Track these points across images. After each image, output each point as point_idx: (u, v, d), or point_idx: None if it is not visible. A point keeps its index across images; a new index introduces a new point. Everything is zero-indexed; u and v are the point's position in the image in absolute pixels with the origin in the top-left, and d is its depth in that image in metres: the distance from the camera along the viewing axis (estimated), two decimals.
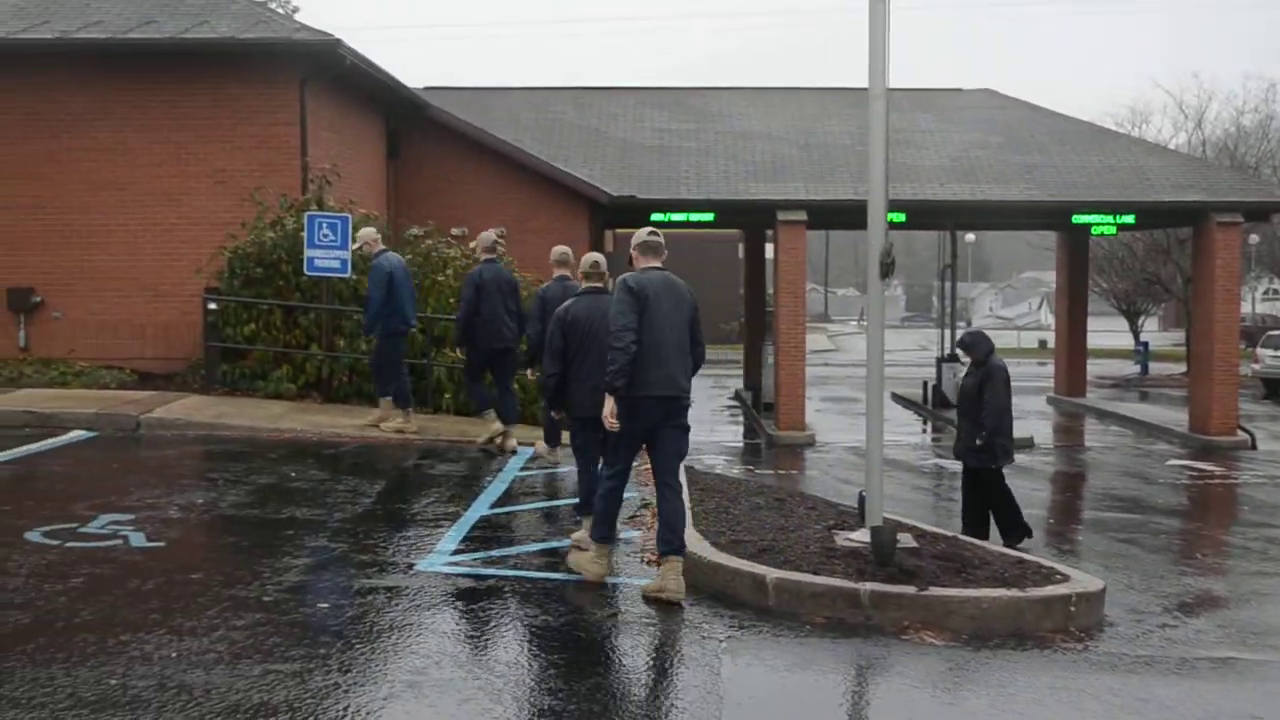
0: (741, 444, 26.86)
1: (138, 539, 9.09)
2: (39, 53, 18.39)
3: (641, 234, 8.45)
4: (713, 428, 28.68)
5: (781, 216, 26.48)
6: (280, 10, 38.24)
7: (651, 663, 6.77)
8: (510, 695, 6.20)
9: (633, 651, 6.95)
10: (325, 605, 7.60)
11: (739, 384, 36.88)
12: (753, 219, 30.68)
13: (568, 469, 12.58)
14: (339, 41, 18.36)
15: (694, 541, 8.71)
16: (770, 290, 33.75)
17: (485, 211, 24.79)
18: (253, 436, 13.97)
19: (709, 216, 27.74)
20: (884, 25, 8.75)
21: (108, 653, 6.57)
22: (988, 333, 14.23)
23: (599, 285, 9.02)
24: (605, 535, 8.43)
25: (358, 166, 21.56)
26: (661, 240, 8.48)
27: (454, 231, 19.18)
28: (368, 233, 14.63)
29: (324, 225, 15.65)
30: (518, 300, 13.61)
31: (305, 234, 15.79)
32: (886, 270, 8.69)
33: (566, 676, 6.50)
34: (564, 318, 8.82)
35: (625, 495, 8.95)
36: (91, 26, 18.57)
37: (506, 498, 11.12)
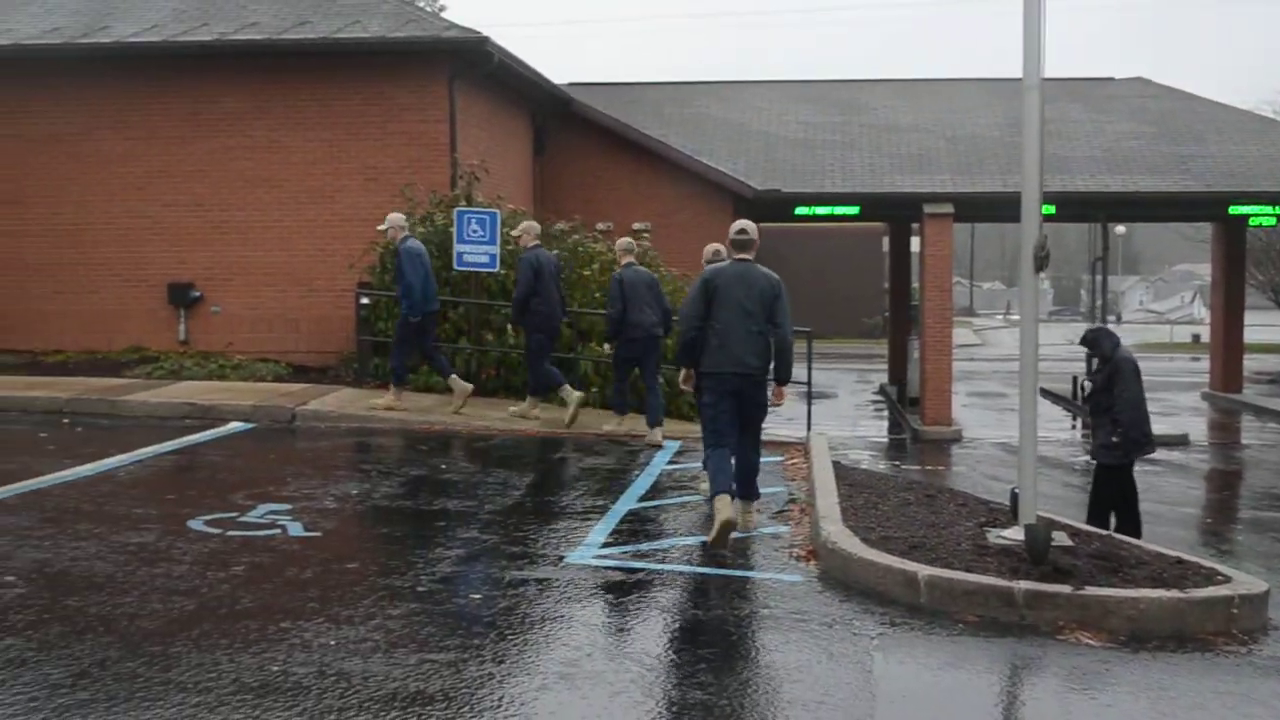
0: (886, 439, 26.64)
1: (295, 529, 9.31)
2: (198, 55, 18.92)
3: (732, 231, 9.70)
4: (856, 422, 28.49)
5: (928, 209, 26.20)
6: (426, 9, 38.77)
7: (802, 658, 6.74)
8: (660, 689, 6.23)
9: (783, 646, 6.92)
10: (477, 596, 7.70)
11: (883, 379, 36.56)
12: (898, 212, 30.43)
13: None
14: (487, 39, 18.57)
15: (843, 537, 8.66)
16: (915, 284, 33.41)
17: (630, 206, 24.92)
18: (404, 429, 14.22)
19: (854, 210, 27.56)
20: (1039, 14, 8.61)
21: (269, 639, 6.73)
22: (1112, 329, 13.93)
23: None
24: (724, 487, 9.16)
25: (505, 162, 21.79)
26: (751, 236, 9.63)
27: (599, 226, 19.29)
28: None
29: (473, 221, 15.86)
30: (659, 295, 13.89)
31: (454, 229, 16.02)
32: (1040, 264, 8.55)
33: (716, 670, 6.50)
34: (710, 280, 9.63)
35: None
36: (248, 28, 19.03)
37: (654, 491, 11.16)
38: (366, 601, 7.47)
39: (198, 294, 19.06)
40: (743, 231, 9.63)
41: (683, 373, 9.99)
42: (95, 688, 5.97)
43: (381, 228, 15.54)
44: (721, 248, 11.99)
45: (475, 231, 15.83)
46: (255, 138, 19.07)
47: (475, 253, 15.89)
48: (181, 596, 7.52)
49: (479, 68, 19.34)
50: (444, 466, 12.10)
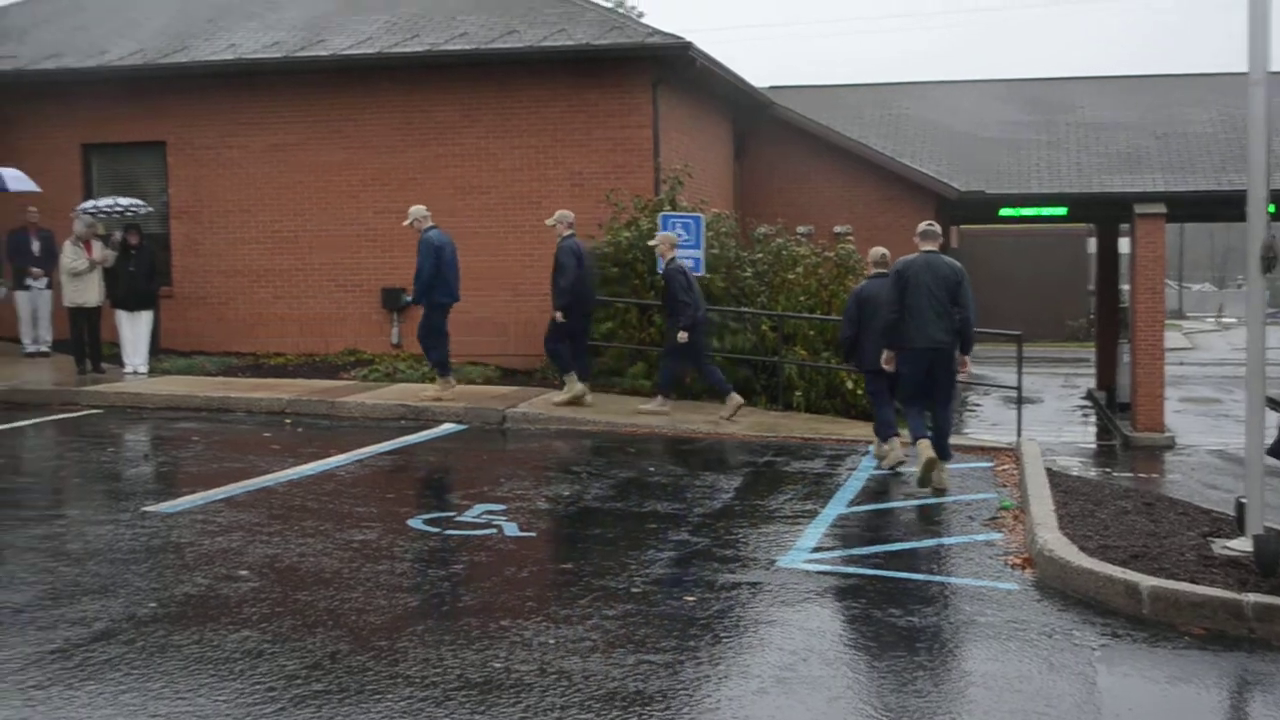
0: (1095, 445, 25.99)
1: (511, 529, 9.51)
2: (410, 65, 19.44)
3: (920, 225, 11.64)
4: (1062, 428, 27.85)
5: (1139, 209, 25.47)
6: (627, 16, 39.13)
7: (1022, 668, 6.64)
8: (877, 695, 6.20)
9: (1001, 656, 6.83)
10: (691, 598, 7.76)
11: (1089, 383, 35.63)
12: (1107, 212, 29.62)
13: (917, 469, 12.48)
14: (690, 44, 18.68)
15: (1060, 545, 8.50)
16: (1124, 286, 32.52)
17: (830, 209, 24.83)
18: (611, 431, 14.40)
19: (1061, 211, 27.00)
20: (1265, 6, 8.33)
21: (490, 637, 6.89)
22: None
23: (884, 271, 11.97)
24: (923, 433, 11.14)
25: (706, 166, 21.88)
26: (937, 229, 11.58)
27: (800, 230, 19.27)
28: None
29: (677, 225, 16.00)
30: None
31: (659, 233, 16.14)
32: (1268, 265, 8.28)
33: (933, 678, 6.45)
34: (859, 294, 12.35)
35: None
36: (458, 39, 19.49)
37: (864, 495, 11.10)
38: (583, 601, 7.60)
39: (410, 298, 19.54)
40: (931, 224, 11.50)
41: (885, 354, 11.49)
42: (328, 679, 6.19)
43: (406, 223, 16.28)
44: (886, 251, 12.62)
45: (680, 235, 15.94)
46: (464, 145, 19.50)
47: (680, 257, 15.98)
48: (405, 593, 7.75)
49: (681, 73, 19.47)
50: (652, 469, 12.22)
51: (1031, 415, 27.83)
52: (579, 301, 15.42)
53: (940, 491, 11.04)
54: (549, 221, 15.69)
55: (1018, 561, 8.77)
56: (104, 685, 6.04)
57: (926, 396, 11.31)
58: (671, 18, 77.49)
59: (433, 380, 16.63)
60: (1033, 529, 9.06)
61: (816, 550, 9.05)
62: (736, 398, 14.84)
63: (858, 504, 10.77)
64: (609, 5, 40.60)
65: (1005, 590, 8.09)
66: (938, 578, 8.38)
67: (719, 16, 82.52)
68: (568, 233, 15.46)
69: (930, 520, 10.27)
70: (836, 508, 10.54)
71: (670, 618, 7.37)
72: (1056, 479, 11.57)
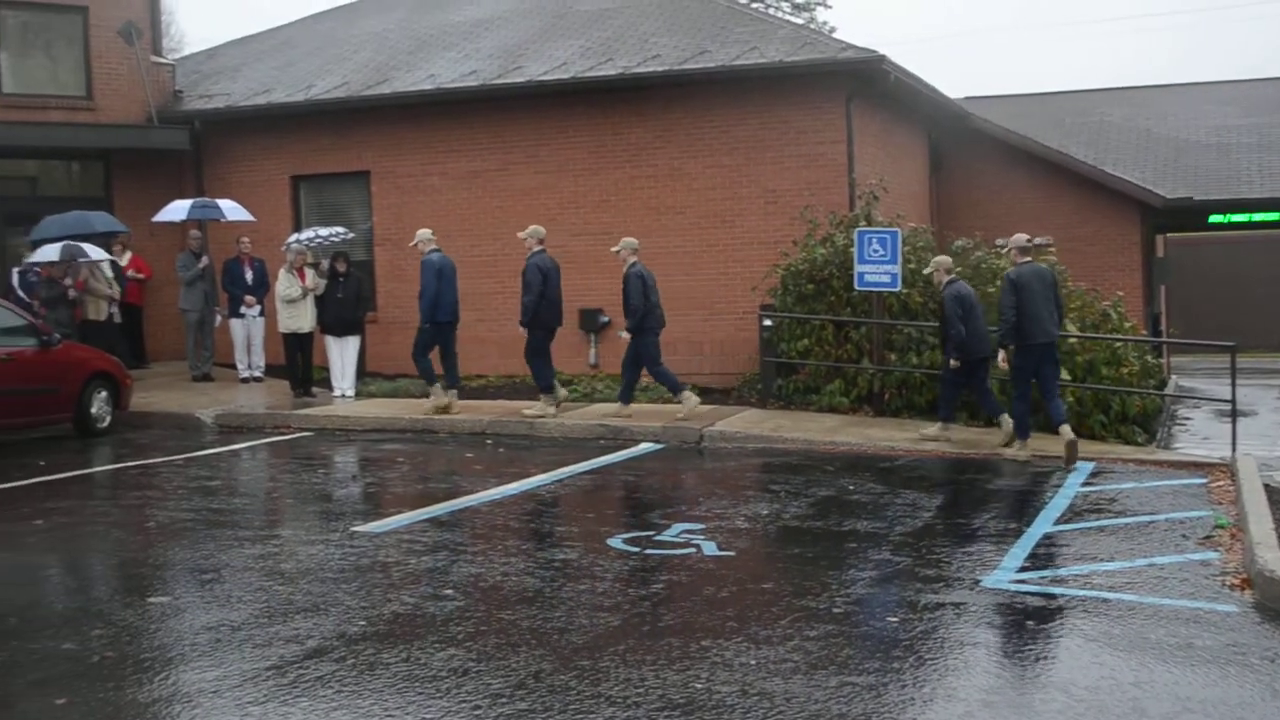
0: None
1: (709, 548, 9.51)
2: (604, 89, 19.66)
3: (1022, 240, 13.83)
4: (1278, 442, 26.69)
5: None
6: (818, 31, 38.97)
7: (1243, 694, 6.37)
8: None
9: (1220, 681, 6.57)
10: (894, 619, 7.65)
11: None
12: None
13: (1129, 485, 12.15)
14: (884, 58, 18.50)
15: None
16: None
17: (1030, 220, 24.24)
18: (809, 449, 14.30)
19: (1275, 216, 25.98)
20: None
21: (691, 657, 6.89)
22: None
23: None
24: (1064, 418, 13.47)
25: (901, 180, 21.63)
26: (1033, 243, 14.05)
27: (999, 242, 18.87)
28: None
29: (873, 240, 15.83)
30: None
31: (855, 250, 16.03)
32: None
33: (1150, 704, 6.24)
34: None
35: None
36: (650, 61, 19.64)
37: (1070, 514, 10.81)
38: (784, 622, 7.55)
39: (606, 319, 19.75)
40: (1031, 240, 14.07)
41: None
42: (532, 698, 6.27)
43: (412, 244, 17.13)
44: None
45: (876, 251, 15.79)
46: (658, 166, 19.63)
47: (876, 272, 15.86)
48: (606, 613, 7.81)
49: (875, 86, 19.28)
50: (851, 487, 12.10)
51: (1246, 429, 26.77)
52: (548, 316, 16.03)
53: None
54: (521, 235, 16.51)
55: (1236, 582, 8.44)
56: (317, 702, 6.22)
57: (1029, 387, 13.68)
58: (863, 31, 76.75)
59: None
60: (1252, 548, 8.71)
61: (1022, 570, 8.85)
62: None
63: (1064, 522, 10.50)
64: (799, 22, 40.55)
65: (1223, 612, 7.80)
66: (1150, 599, 8.11)
67: (911, 27, 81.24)
68: (537, 248, 16.11)
69: (1141, 539, 9.95)
70: (1042, 526, 10.29)
71: (873, 639, 7.28)
72: (1276, 496, 11.13)
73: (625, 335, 15.93)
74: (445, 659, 6.87)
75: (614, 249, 16.42)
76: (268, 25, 27.20)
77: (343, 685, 6.45)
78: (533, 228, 16.46)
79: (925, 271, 15.43)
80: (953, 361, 14.37)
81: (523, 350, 16.30)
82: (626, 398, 16.16)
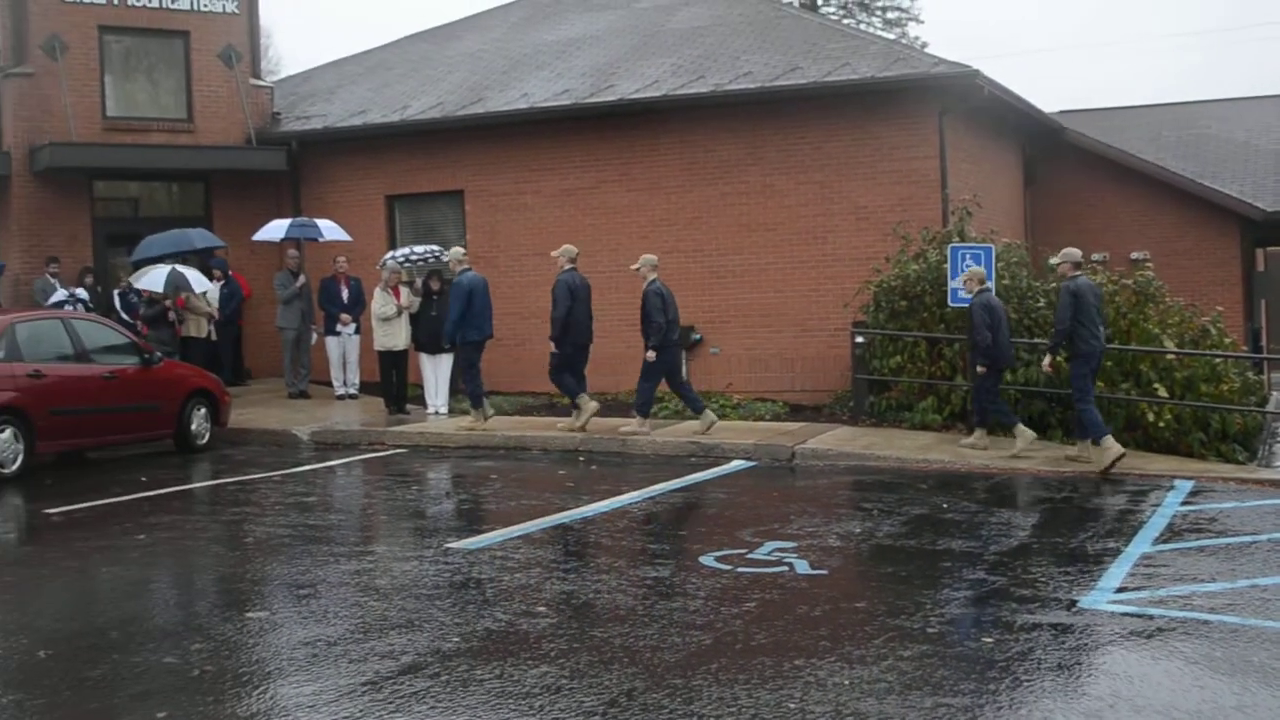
0: None
1: (802, 566, 9.47)
2: (696, 106, 19.71)
3: (1075, 256, 14.42)
4: None
5: None
6: (909, 46, 38.74)
7: None
8: None
9: None
10: (989, 640, 7.57)
11: None
12: None
13: (1230, 505, 11.94)
14: (977, 72, 18.37)
15: None
16: None
17: (1127, 235, 23.99)
18: (901, 467, 14.21)
19: None
20: None
21: (784, 676, 6.87)
22: None
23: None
24: (1108, 430, 13.97)
25: (995, 195, 21.45)
26: (1082, 258, 14.58)
27: (1095, 257, 18.67)
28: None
29: (967, 256, 15.70)
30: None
31: (948, 266, 15.91)
32: None
33: None
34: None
35: None
36: (742, 78, 19.65)
37: (1169, 534, 10.63)
38: (877, 641, 7.50)
39: (698, 336, 19.76)
40: (1080, 254, 14.61)
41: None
42: (624, 717, 6.27)
43: (446, 258, 17.85)
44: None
45: (970, 267, 15.65)
46: (749, 183, 19.63)
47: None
48: (698, 631, 7.80)
49: (968, 101, 19.14)
50: (945, 505, 12.00)
51: None
52: (575, 333, 16.30)
53: None
54: (554, 254, 16.82)
55: None
56: (411, 717, 6.27)
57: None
58: (953, 45, 76.23)
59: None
60: None
61: (1121, 590, 8.72)
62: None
63: (1163, 542, 10.33)
64: (891, 37, 40.35)
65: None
66: (1253, 621, 7.94)
67: (1004, 41, 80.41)
68: (568, 266, 16.43)
69: (1243, 559, 9.76)
70: (1141, 546, 10.13)
71: (968, 659, 7.21)
72: None
73: (650, 355, 16.00)
74: (538, 676, 6.90)
75: (633, 266, 16.68)
76: (363, 47, 27.61)
77: (437, 701, 6.51)
78: (565, 247, 16.78)
79: (951, 285, 15.82)
80: (979, 368, 14.87)
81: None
82: (648, 410, 16.36)
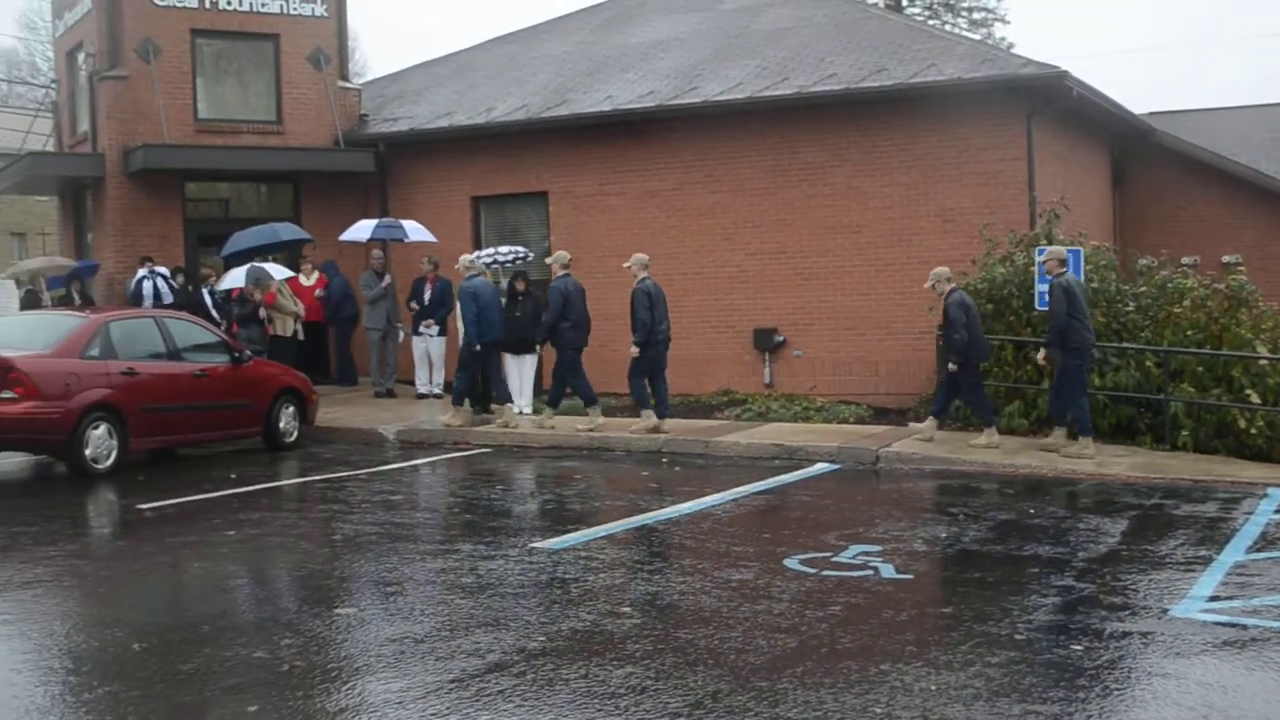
0: None
1: (887, 570, 9.42)
2: (780, 108, 19.67)
3: (1061, 252, 14.89)
4: None
5: None
6: (996, 47, 38.36)
7: None
8: None
9: None
10: (1078, 647, 7.48)
11: None
12: None
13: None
14: (1066, 74, 18.17)
15: None
16: None
17: (1218, 238, 23.60)
18: (987, 472, 14.10)
19: None
20: None
21: (869, 681, 6.83)
22: None
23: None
24: (1089, 428, 14.54)
25: (1084, 197, 21.19)
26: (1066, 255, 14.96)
27: (1185, 260, 18.40)
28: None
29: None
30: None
31: (1035, 269, 15.75)
32: None
33: None
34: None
35: None
36: (826, 80, 19.57)
37: (1263, 542, 10.45)
38: (964, 647, 7.44)
39: (781, 339, 19.72)
40: (1065, 251, 15.04)
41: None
42: (710, 718, 6.27)
43: (549, 260, 18.08)
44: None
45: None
46: (834, 185, 19.55)
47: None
48: (783, 634, 7.78)
49: (1056, 103, 18.94)
50: (1031, 511, 11.88)
51: None
52: (573, 336, 16.92)
53: None
54: (548, 260, 17.67)
55: None
56: (498, 715, 6.31)
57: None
58: (1040, 45, 75.45)
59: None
60: None
61: (1213, 599, 8.58)
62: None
63: (1258, 550, 10.16)
64: (977, 38, 40.01)
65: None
66: None
67: (1092, 41, 79.36)
68: (561, 272, 17.16)
69: None
70: (1234, 554, 9.97)
71: (1056, 667, 7.13)
72: None
73: (634, 350, 16.48)
74: (623, 676, 6.91)
75: (625, 264, 17.00)
76: (448, 50, 27.83)
77: (523, 700, 6.54)
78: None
79: (926, 285, 15.93)
80: (951, 365, 15.16)
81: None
82: (647, 404, 16.67)
